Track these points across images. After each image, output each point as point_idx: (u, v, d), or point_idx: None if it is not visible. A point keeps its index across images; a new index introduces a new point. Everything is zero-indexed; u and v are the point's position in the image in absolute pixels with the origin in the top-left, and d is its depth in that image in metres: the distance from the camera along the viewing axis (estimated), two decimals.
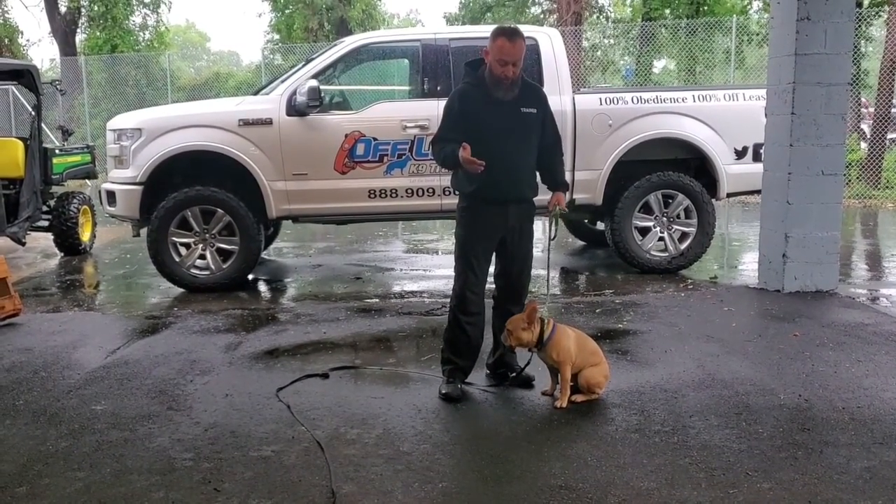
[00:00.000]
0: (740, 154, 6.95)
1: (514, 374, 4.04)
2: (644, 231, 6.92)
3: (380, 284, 7.08)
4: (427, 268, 7.81)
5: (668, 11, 18.91)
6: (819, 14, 5.68)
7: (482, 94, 3.82)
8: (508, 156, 3.81)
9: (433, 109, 6.50)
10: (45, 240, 8.99)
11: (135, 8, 24.20)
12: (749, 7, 19.87)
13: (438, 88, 6.60)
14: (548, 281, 4.56)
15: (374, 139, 6.46)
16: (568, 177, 6.62)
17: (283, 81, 6.78)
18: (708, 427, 3.46)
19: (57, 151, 8.99)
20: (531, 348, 3.80)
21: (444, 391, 3.89)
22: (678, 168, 6.93)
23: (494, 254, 4.01)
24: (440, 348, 4.10)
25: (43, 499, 2.91)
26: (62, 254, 8.81)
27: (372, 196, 6.55)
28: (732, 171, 6.94)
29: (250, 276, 7.03)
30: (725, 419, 3.54)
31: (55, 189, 8.99)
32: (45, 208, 8.60)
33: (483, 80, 3.82)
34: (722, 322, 5.23)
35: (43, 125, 9.11)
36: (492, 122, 3.80)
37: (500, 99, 3.79)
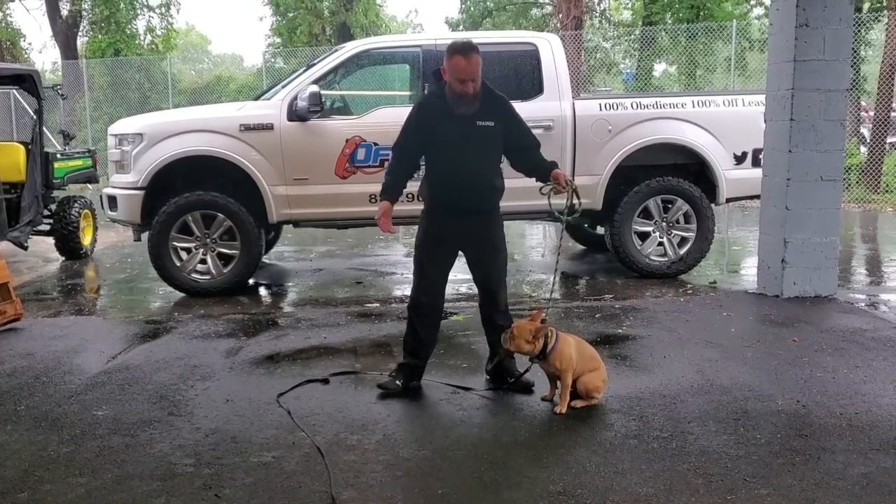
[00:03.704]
0: (739, 159, 6.97)
1: (512, 380, 4.06)
2: (644, 236, 6.94)
3: (381, 289, 7.10)
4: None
5: (668, 16, 18.94)
6: (817, 21, 5.71)
7: (442, 107, 3.89)
8: (464, 168, 3.91)
9: None
10: (45, 244, 9.01)
11: (138, 12, 24.25)
12: (749, 13, 19.89)
13: None
14: (553, 284, 4.62)
15: (375, 144, 6.48)
16: None
17: (284, 86, 6.81)
18: (706, 433, 3.47)
19: (58, 156, 9.02)
20: (532, 358, 3.81)
21: (378, 382, 4.07)
22: (678, 173, 6.95)
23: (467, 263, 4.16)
24: (439, 353, 4.13)
25: None
26: (63, 258, 8.83)
27: (373, 201, 6.53)
28: (732, 177, 6.96)
29: (251, 281, 7.05)
30: (724, 425, 3.56)
31: (56, 193, 9.01)
32: (46, 212, 8.63)
33: (444, 94, 3.89)
34: (721, 327, 5.24)
35: (44, 129, 9.14)
36: (448, 135, 3.89)
37: (458, 113, 3.85)
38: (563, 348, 3.76)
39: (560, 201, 4.04)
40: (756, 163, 6.80)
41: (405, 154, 4.09)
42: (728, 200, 7.16)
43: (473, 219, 4.00)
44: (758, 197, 6.56)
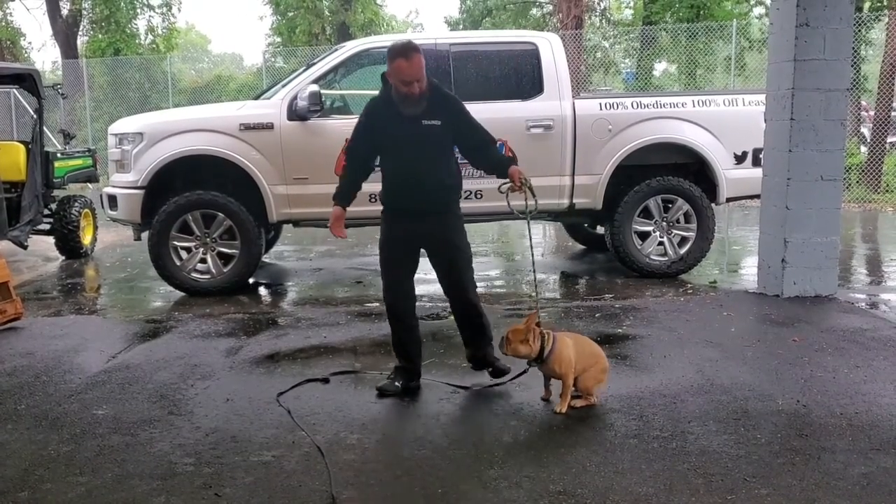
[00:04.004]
0: (740, 159, 6.97)
1: (490, 370, 4.14)
2: (644, 235, 6.93)
3: (380, 288, 7.03)
4: (427, 271, 7.79)
5: (668, 15, 18.93)
6: (818, 20, 5.71)
7: (390, 108, 3.89)
8: (412, 168, 3.92)
9: None
10: (45, 243, 9.01)
11: (138, 11, 24.24)
12: (749, 12, 19.88)
13: None
14: (534, 283, 4.64)
15: None
16: (567, 181, 6.72)
17: (284, 86, 6.80)
18: (706, 433, 3.47)
19: (58, 155, 9.03)
20: (531, 362, 3.79)
21: (378, 385, 4.07)
22: (678, 173, 6.95)
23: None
24: (438, 352, 4.13)
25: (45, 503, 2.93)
26: (63, 257, 8.83)
27: (372, 200, 6.46)
28: (732, 176, 6.96)
29: (251, 280, 7.05)
30: (724, 425, 3.56)
31: (57, 192, 9.02)
32: (46, 212, 8.63)
33: (391, 96, 3.88)
34: (721, 327, 5.24)
35: (44, 128, 9.14)
36: (396, 136, 3.91)
37: (405, 114, 3.84)
38: (561, 350, 3.73)
39: (520, 202, 3.94)
40: (756, 162, 6.79)
41: (356, 157, 4.09)
42: (728, 200, 7.15)
43: (428, 219, 3.98)
44: (758, 196, 6.56)
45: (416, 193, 3.95)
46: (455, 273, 4.10)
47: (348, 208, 6.43)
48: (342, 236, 4.12)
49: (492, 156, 4.08)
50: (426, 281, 7.30)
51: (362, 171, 4.11)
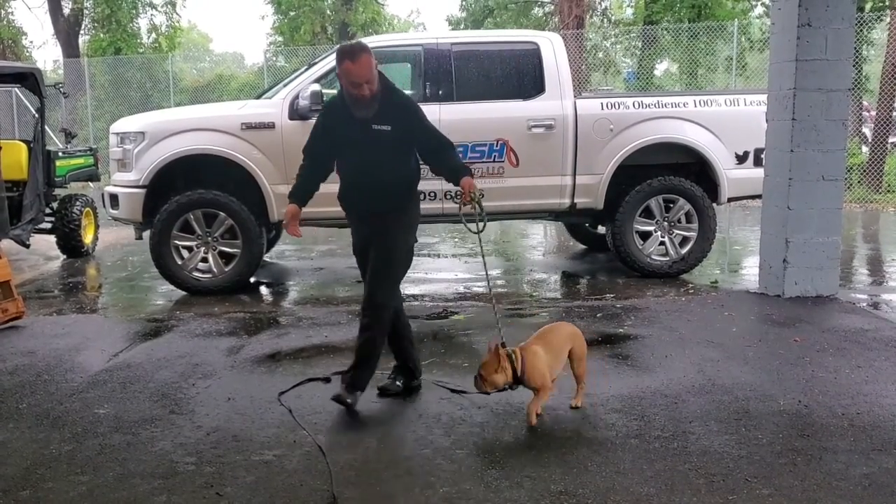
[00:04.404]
0: (741, 159, 6.97)
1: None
2: (645, 235, 6.93)
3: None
4: (428, 271, 7.82)
5: (669, 15, 18.92)
6: (820, 20, 5.70)
7: (344, 110, 3.80)
8: (363, 172, 3.85)
9: (434, 114, 6.48)
10: (46, 242, 9.01)
11: (140, 11, 24.23)
12: (751, 12, 19.86)
13: (440, 93, 6.64)
14: (489, 287, 4.42)
15: None
16: (569, 181, 6.72)
17: (285, 85, 6.81)
18: (708, 433, 3.47)
19: (60, 154, 9.02)
20: (511, 386, 3.57)
21: (378, 385, 4.05)
22: (679, 173, 6.94)
23: None
24: (440, 352, 4.12)
25: (46, 503, 2.93)
26: (65, 256, 8.83)
27: None
28: (733, 176, 6.95)
29: (252, 279, 7.05)
30: (725, 425, 3.56)
31: (58, 191, 9.01)
32: (48, 210, 8.63)
33: (344, 98, 3.82)
34: (722, 327, 5.24)
35: (46, 127, 9.14)
36: (347, 138, 3.84)
37: (357, 117, 3.75)
38: (533, 364, 3.55)
39: (471, 214, 3.78)
40: (758, 162, 6.79)
41: (311, 157, 4.02)
42: (729, 200, 7.15)
43: (375, 220, 3.87)
44: (759, 197, 6.56)
45: (366, 197, 3.89)
46: (373, 267, 3.88)
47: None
48: (297, 235, 3.99)
49: (447, 162, 3.90)
50: (426, 281, 7.34)
51: (319, 172, 4.01)
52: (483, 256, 4.07)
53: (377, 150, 3.79)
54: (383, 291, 3.87)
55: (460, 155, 4.09)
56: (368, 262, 3.94)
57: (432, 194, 6.55)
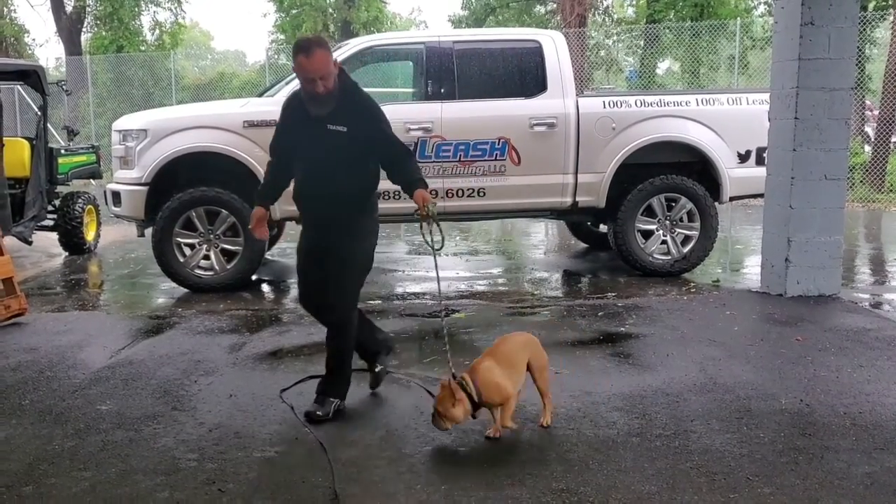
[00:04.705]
0: (743, 158, 6.96)
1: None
2: (647, 234, 6.93)
3: (382, 286, 7.10)
4: (428, 269, 7.82)
5: (672, 13, 18.91)
6: (823, 19, 5.69)
7: (301, 107, 3.65)
8: (315, 172, 3.67)
9: (436, 112, 6.54)
10: (48, 239, 9.02)
11: (142, 8, 24.24)
12: (754, 10, 19.83)
13: (442, 91, 6.64)
14: (439, 297, 4.07)
15: None
16: (571, 179, 6.71)
17: (287, 83, 6.80)
18: (709, 431, 3.47)
19: (62, 151, 9.04)
20: (473, 414, 3.36)
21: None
22: (681, 171, 6.94)
23: None
24: (442, 350, 4.10)
25: (49, 498, 2.94)
26: (67, 253, 8.84)
27: (385, 198, 6.55)
28: (735, 175, 6.95)
29: (254, 277, 7.05)
30: (727, 424, 3.56)
31: (60, 189, 9.03)
32: (50, 208, 8.64)
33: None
34: (724, 326, 5.24)
35: (48, 125, 9.14)
36: (303, 137, 3.67)
37: (313, 114, 3.59)
38: (486, 381, 3.33)
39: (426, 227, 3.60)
40: (760, 161, 6.78)
41: (276, 155, 3.86)
42: (731, 199, 7.14)
43: (328, 228, 3.68)
44: (761, 196, 6.55)
45: (317, 201, 3.69)
46: (332, 278, 3.71)
47: None
48: (264, 237, 3.87)
49: (404, 173, 3.67)
50: (428, 279, 7.34)
51: (286, 170, 3.83)
52: (437, 270, 3.82)
53: (331, 152, 3.59)
54: (344, 304, 3.73)
55: (413, 164, 3.77)
56: (313, 266, 3.78)
57: (433, 192, 6.50)
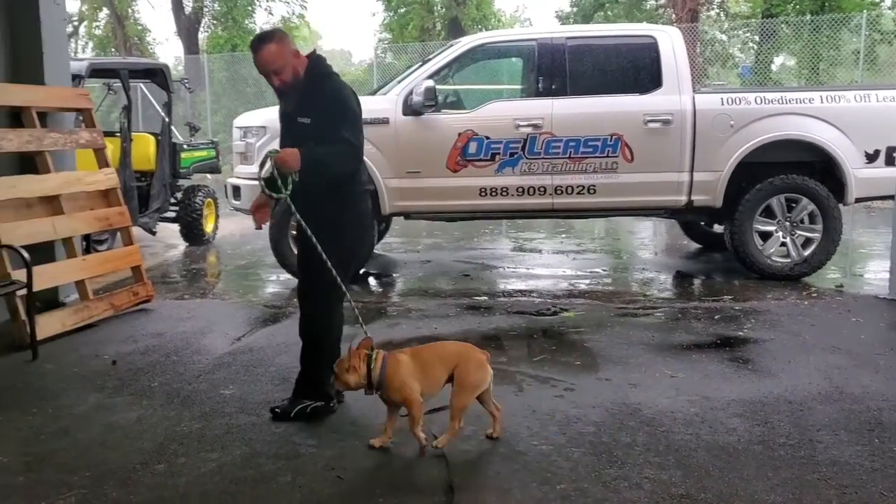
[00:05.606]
0: (871, 157, 6.59)
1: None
2: (765, 235, 6.66)
3: (487, 282, 7.11)
4: (533, 266, 7.79)
5: (790, 7, 18.11)
6: None
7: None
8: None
9: (547, 108, 6.50)
10: (168, 230, 9.44)
11: (255, 7, 25.15)
12: (882, 2, 18.72)
13: (553, 87, 6.59)
14: (357, 316, 3.75)
15: (487, 138, 6.49)
16: (686, 177, 6.53)
17: (399, 82, 6.91)
18: (837, 442, 3.32)
19: (184, 147, 9.46)
20: (367, 391, 3.28)
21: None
22: (803, 171, 6.64)
23: None
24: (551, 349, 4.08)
25: (181, 476, 3.09)
26: (187, 244, 9.25)
27: (483, 194, 6.58)
28: (862, 176, 6.59)
29: (361, 271, 7.18)
30: (856, 435, 3.39)
31: (182, 182, 9.45)
32: (172, 200, 9.07)
33: None
34: (849, 333, 4.99)
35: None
36: (283, 130, 3.77)
37: (285, 109, 3.68)
38: (392, 371, 3.22)
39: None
40: (890, 161, 6.43)
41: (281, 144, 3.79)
42: (857, 200, 6.79)
43: (304, 217, 3.55)
44: (890, 197, 6.20)
45: (296, 193, 3.52)
46: (302, 264, 3.76)
47: (459, 201, 6.58)
48: (265, 220, 3.82)
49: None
50: (533, 276, 7.30)
51: None
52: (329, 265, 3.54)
53: (298, 144, 3.51)
54: (316, 294, 3.72)
55: (327, 149, 3.54)
56: (299, 257, 3.86)
57: (542, 189, 6.52)
